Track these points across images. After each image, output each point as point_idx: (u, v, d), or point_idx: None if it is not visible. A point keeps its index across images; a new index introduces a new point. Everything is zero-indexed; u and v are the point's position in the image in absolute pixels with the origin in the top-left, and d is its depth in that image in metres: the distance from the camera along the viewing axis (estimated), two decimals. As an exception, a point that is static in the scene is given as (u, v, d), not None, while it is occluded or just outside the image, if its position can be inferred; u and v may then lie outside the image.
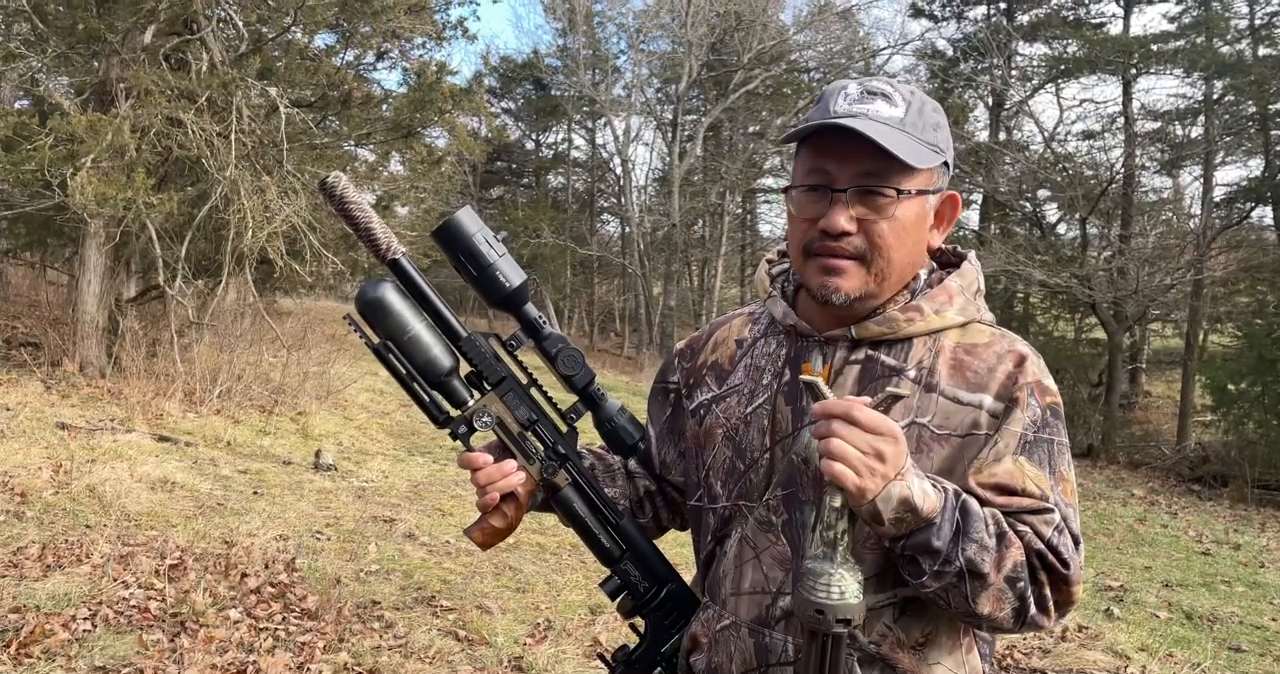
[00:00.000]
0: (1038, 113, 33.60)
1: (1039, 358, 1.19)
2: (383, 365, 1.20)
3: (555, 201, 31.44)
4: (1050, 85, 20.87)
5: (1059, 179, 18.81)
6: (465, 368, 1.25)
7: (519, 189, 33.15)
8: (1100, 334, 18.99)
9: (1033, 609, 1.10)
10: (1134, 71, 19.02)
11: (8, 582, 4.05)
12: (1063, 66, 20.16)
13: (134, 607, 3.95)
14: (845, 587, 1.04)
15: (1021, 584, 1.08)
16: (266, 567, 4.60)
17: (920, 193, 1.16)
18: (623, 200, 27.72)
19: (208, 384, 8.77)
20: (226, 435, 7.76)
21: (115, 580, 4.19)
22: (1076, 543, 1.13)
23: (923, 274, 1.23)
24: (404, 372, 1.19)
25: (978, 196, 22.33)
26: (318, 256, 9.27)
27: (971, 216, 23.48)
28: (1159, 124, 19.56)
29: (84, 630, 3.67)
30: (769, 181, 29.40)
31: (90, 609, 3.85)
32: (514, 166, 32.21)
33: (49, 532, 4.75)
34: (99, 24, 8.10)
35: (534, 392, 1.27)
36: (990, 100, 22.15)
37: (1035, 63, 21.36)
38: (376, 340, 1.19)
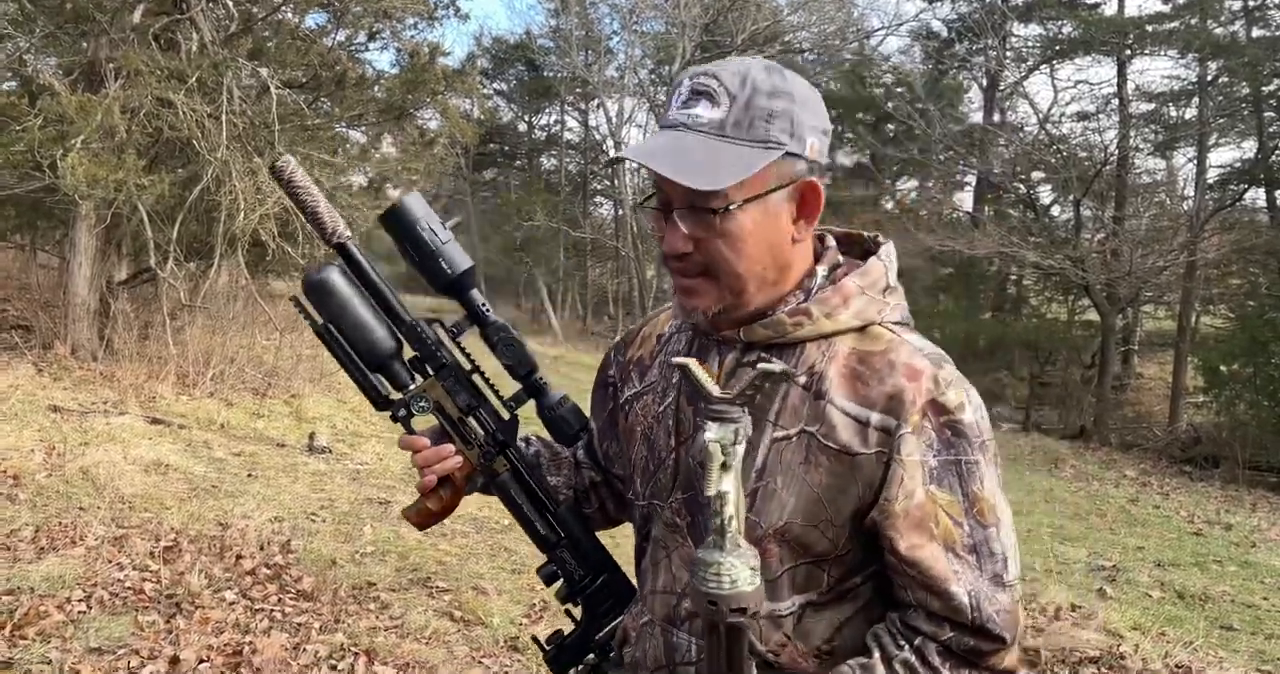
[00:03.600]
0: (1032, 94, 33.55)
1: (941, 368, 1.09)
2: (325, 347, 1.21)
3: (548, 184, 31.32)
4: (1045, 66, 20.82)
5: (1053, 161, 18.80)
6: (410, 353, 1.26)
7: (512, 171, 33.03)
8: (1093, 316, 19.03)
9: None
10: (1129, 52, 18.97)
11: (1, 564, 4.04)
12: (1057, 47, 20.10)
13: (129, 588, 3.95)
14: (737, 575, 1.01)
15: None
16: (262, 548, 4.59)
17: (752, 200, 1.07)
18: (616, 182, 27.64)
19: (200, 367, 8.74)
20: (220, 418, 7.74)
21: (110, 562, 4.18)
22: (1006, 564, 1.08)
23: (820, 271, 1.15)
24: (345, 353, 1.21)
25: (971, 178, 22.33)
26: (310, 238, 9.22)
27: (965, 198, 23.48)
28: (1153, 105, 19.53)
29: (79, 612, 3.66)
30: (763, 164, 29.32)
31: (85, 591, 3.85)
32: (507, 148, 32.10)
33: (42, 514, 4.74)
34: (87, 3, 8.01)
35: (476, 378, 1.28)
36: (985, 81, 22.11)
37: (1030, 43, 21.30)
38: (320, 322, 1.20)
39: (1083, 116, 20.51)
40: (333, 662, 3.54)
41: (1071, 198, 18.75)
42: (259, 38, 9.95)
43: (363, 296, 1.21)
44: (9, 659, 3.22)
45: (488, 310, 1.24)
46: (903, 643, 1.08)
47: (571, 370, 15.51)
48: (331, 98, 10.20)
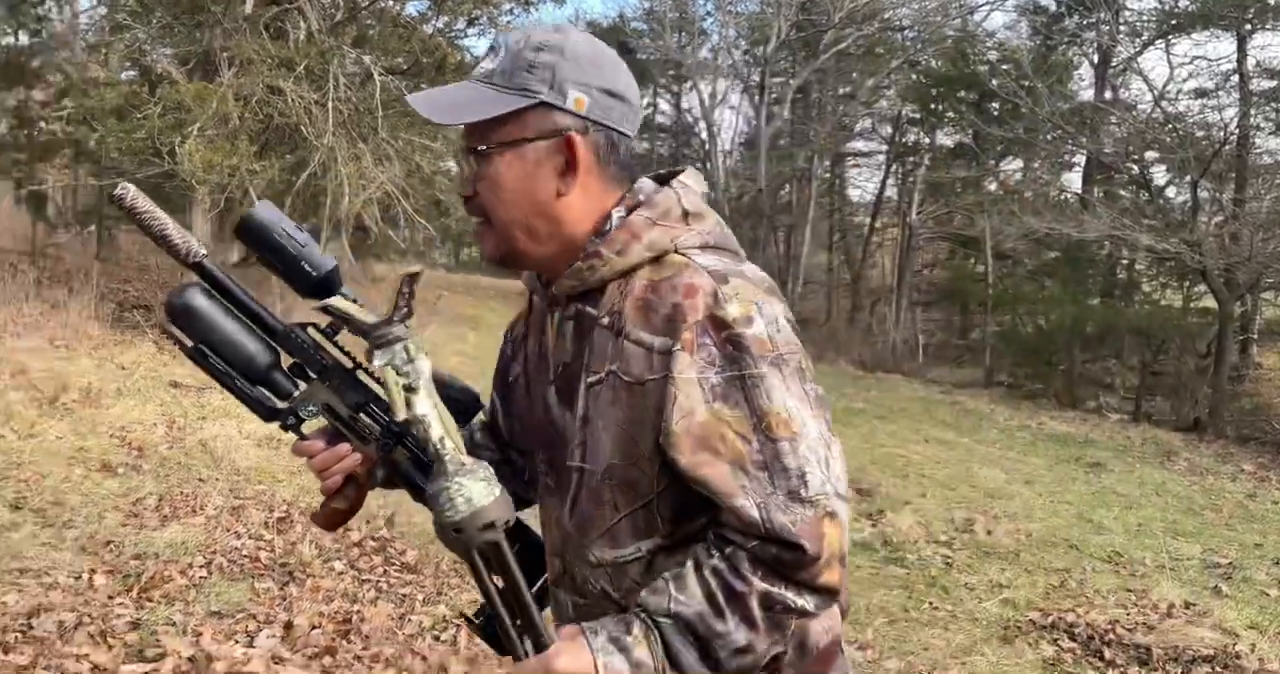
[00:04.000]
0: (1146, 70, 32.01)
1: (725, 282, 1.07)
2: (202, 370, 1.20)
3: (640, 167, 31.28)
4: (1160, 41, 19.84)
5: (1168, 140, 17.94)
6: (290, 361, 1.24)
7: (604, 155, 33.09)
8: (1210, 303, 18.15)
9: (790, 614, 1.05)
10: (1249, 27, 17.93)
11: (129, 530, 4.28)
12: (1174, 21, 19.13)
13: (245, 556, 4.13)
14: (470, 493, 0.98)
15: (779, 607, 1.04)
16: (368, 522, 4.75)
17: (509, 144, 1.10)
18: (708, 165, 27.49)
19: (308, 346, 9.05)
20: (326, 396, 8.01)
21: (228, 531, 4.39)
22: (804, 478, 1.03)
23: (617, 214, 1.15)
24: (223, 372, 1.19)
25: (1080, 158, 21.51)
26: (411, 222, 9.44)
27: (1074, 179, 22.65)
28: (1275, 82, 18.44)
29: (200, 577, 3.85)
30: (859, 144, 28.77)
31: (205, 557, 4.04)
32: (599, 132, 32.20)
33: (165, 484, 4.99)
34: (203, -6, 8.34)
35: (361, 374, 1.27)
36: (1096, 57, 21.19)
37: (1144, 17, 20.30)
38: (190, 345, 1.19)
39: (1200, 94, 19.50)
40: (436, 632, 3.65)
41: (1188, 179, 17.87)
42: (363, 25, 10.20)
43: (229, 313, 1.20)
44: (137, 620, 3.41)
45: (358, 302, 1.22)
46: (714, 552, 1.06)
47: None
48: (432, 83, 10.40)
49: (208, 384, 7.42)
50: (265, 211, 1.18)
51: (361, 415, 1.26)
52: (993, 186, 22.91)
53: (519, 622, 1.07)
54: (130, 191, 1.12)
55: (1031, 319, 20.02)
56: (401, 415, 1.00)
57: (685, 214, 1.14)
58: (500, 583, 1.06)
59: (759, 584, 1.02)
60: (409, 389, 1.01)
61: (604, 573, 1.16)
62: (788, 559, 1.02)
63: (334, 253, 10.22)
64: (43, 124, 12.22)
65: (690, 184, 1.18)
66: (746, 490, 1.02)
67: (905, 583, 4.94)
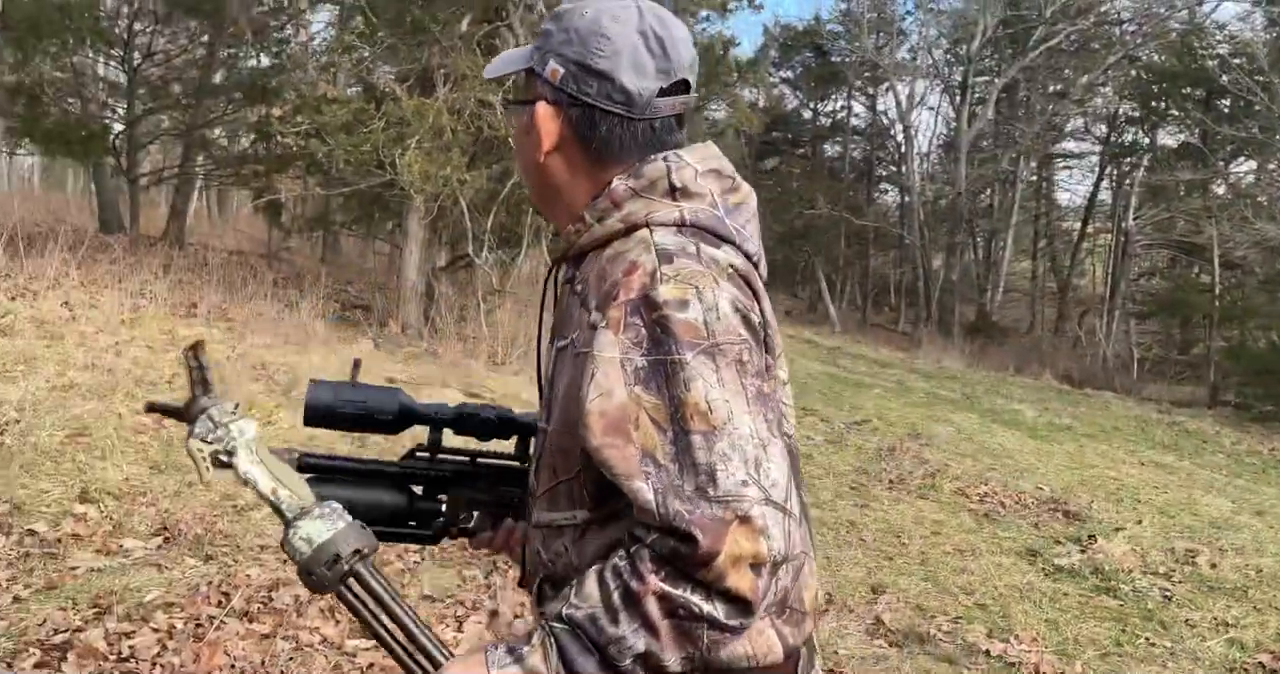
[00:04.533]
0: None
1: (669, 262, 1.01)
2: None
3: (831, 171, 30.83)
4: None
5: None
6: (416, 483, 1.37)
7: (794, 159, 32.78)
8: None
9: (698, 622, 0.93)
10: None
11: (352, 515, 4.64)
12: None
13: (454, 544, 4.38)
14: (308, 533, 0.99)
15: (682, 612, 0.93)
16: (564, 519, 4.94)
17: (514, 103, 1.21)
18: (903, 168, 26.73)
19: (508, 346, 9.49)
20: (525, 394, 8.37)
21: (438, 521, 4.66)
22: (713, 476, 0.92)
23: (614, 183, 1.11)
24: (382, 534, 1.27)
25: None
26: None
27: (1318, 181, 20.50)
28: None
29: (414, 562, 4.12)
30: (1069, 145, 27.20)
31: (418, 545, 4.32)
32: (790, 136, 31.90)
33: (382, 473, 5.36)
34: (424, 15, 8.90)
35: (479, 462, 1.37)
36: (1348, 46, 19.11)
37: None
38: None
39: None
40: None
41: None
42: (566, 39, 10.58)
43: (349, 484, 1.30)
44: (360, 598, 3.69)
45: (439, 414, 1.33)
46: (623, 552, 0.98)
47: (852, 363, 15.24)
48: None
49: (424, 379, 7.92)
50: (321, 393, 1.28)
51: (501, 489, 1.39)
52: (1221, 189, 21.09)
53: (413, 647, 1.08)
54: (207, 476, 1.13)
55: (1265, 334, 18.27)
56: (203, 481, 1.07)
57: (672, 188, 1.10)
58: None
59: (657, 584, 0.93)
60: (227, 453, 1.05)
61: (540, 534, 1.15)
62: (684, 552, 0.92)
63: (531, 257, 10.66)
64: (279, 138, 13.39)
65: (687, 158, 1.12)
66: (649, 477, 0.95)
67: (1118, 615, 4.64)
